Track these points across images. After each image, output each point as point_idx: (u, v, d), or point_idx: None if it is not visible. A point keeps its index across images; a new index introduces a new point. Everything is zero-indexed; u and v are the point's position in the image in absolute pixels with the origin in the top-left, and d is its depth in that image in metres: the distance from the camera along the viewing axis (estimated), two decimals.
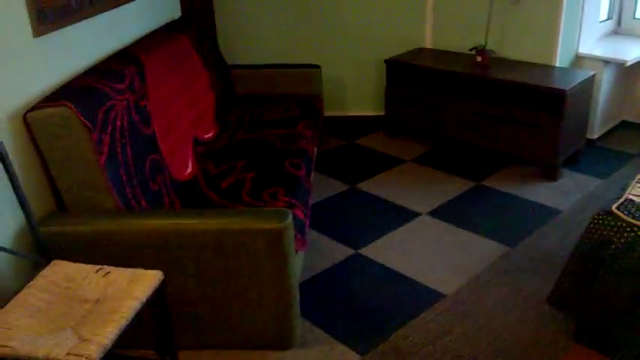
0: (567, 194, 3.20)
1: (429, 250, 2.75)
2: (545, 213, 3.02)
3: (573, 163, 3.52)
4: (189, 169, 2.65)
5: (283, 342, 2.07)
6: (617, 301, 1.88)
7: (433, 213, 3.07)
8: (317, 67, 3.67)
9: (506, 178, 3.42)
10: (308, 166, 2.76)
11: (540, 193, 3.23)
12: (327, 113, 4.09)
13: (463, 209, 3.10)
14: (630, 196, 2.00)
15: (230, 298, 1.97)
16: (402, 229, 2.94)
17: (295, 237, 2.01)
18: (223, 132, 3.10)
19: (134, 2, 2.80)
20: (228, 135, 3.05)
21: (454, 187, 3.33)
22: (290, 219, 1.87)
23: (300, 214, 2.28)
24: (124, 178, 2.06)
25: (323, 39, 4.10)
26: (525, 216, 3.01)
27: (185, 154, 2.70)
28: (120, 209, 1.98)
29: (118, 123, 2.10)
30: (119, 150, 2.07)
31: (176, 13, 3.52)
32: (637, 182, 2.11)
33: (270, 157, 2.74)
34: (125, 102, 2.20)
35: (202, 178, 2.60)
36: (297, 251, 2.04)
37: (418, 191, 3.30)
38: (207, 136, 3.01)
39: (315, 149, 3.09)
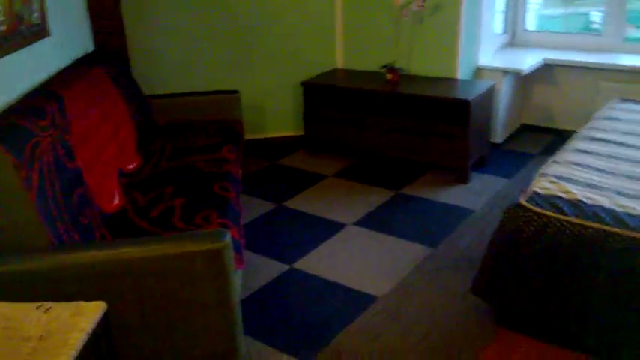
0: (478, 195, 3.46)
1: (358, 258, 2.89)
2: (461, 214, 3.25)
3: (481, 166, 3.79)
4: (117, 201, 2.65)
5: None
6: (532, 284, 2.08)
7: (358, 223, 3.22)
8: (235, 92, 3.75)
9: (423, 185, 3.64)
10: (236, 188, 2.83)
11: (454, 196, 3.47)
12: (248, 137, 4.17)
13: (386, 217, 3.27)
14: (535, 189, 2.23)
15: (174, 323, 1.99)
16: (330, 240, 3.07)
17: (234, 256, 2.07)
18: (147, 162, 3.10)
19: (49, 38, 2.78)
20: (152, 164, 3.07)
21: (376, 198, 3.50)
22: (228, 238, 1.94)
23: (235, 234, 2.34)
24: (54, 213, 2.05)
25: (239, 65, 4.20)
26: (443, 218, 3.22)
27: (111, 186, 2.69)
28: (54, 245, 1.97)
29: (45, 159, 2.09)
30: (48, 186, 2.05)
31: (89, 47, 3.50)
32: (540, 176, 2.35)
33: (198, 182, 2.79)
34: (49, 138, 2.19)
35: (131, 209, 2.60)
36: (236, 270, 2.11)
37: (342, 204, 3.45)
38: (130, 167, 3.01)
39: (240, 172, 3.17)
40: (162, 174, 2.93)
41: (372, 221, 3.23)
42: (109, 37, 3.71)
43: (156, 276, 1.90)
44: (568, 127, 4.13)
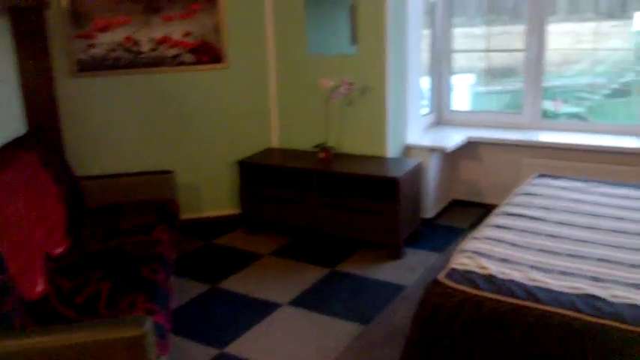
0: (411, 270, 3.53)
1: (292, 338, 2.87)
2: (393, 289, 3.30)
3: (414, 241, 3.89)
4: (40, 287, 2.57)
5: None
6: (454, 357, 2.11)
7: (293, 302, 3.22)
8: (170, 172, 3.78)
9: (357, 261, 3.69)
10: (166, 270, 2.80)
11: (388, 272, 3.52)
12: (184, 216, 4.16)
13: (320, 295, 3.29)
14: (454, 265, 2.31)
15: None
16: (264, 321, 3.04)
17: (157, 342, 2.04)
18: (76, 245, 3.05)
19: None
20: (80, 248, 3.01)
21: (311, 276, 3.52)
22: (149, 325, 1.91)
23: (160, 319, 2.30)
24: None
25: (175, 144, 4.25)
26: (376, 295, 3.26)
27: (35, 271, 2.62)
28: None
29: None
30: None
31: (21, 130, 3.49)
32: (458, 252, 2.44)
33: (125, 265, 2.75)
34: None
35: (55, 295, 2.53)
36: (159, 357, 2.06)
37: (278, 283, 3.45)
38: (58, 250, 2.95)
39: (174, 253, 3.15)
40: (90, 257, 2.88)
41: (306, 300, 3.24)
42: (43, 119, 3.71)
43: None
44: (495, 202, 4.28)
